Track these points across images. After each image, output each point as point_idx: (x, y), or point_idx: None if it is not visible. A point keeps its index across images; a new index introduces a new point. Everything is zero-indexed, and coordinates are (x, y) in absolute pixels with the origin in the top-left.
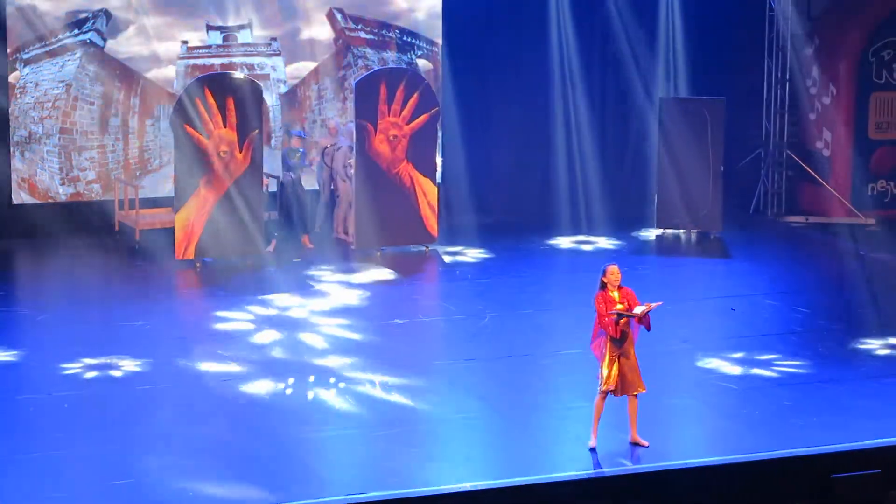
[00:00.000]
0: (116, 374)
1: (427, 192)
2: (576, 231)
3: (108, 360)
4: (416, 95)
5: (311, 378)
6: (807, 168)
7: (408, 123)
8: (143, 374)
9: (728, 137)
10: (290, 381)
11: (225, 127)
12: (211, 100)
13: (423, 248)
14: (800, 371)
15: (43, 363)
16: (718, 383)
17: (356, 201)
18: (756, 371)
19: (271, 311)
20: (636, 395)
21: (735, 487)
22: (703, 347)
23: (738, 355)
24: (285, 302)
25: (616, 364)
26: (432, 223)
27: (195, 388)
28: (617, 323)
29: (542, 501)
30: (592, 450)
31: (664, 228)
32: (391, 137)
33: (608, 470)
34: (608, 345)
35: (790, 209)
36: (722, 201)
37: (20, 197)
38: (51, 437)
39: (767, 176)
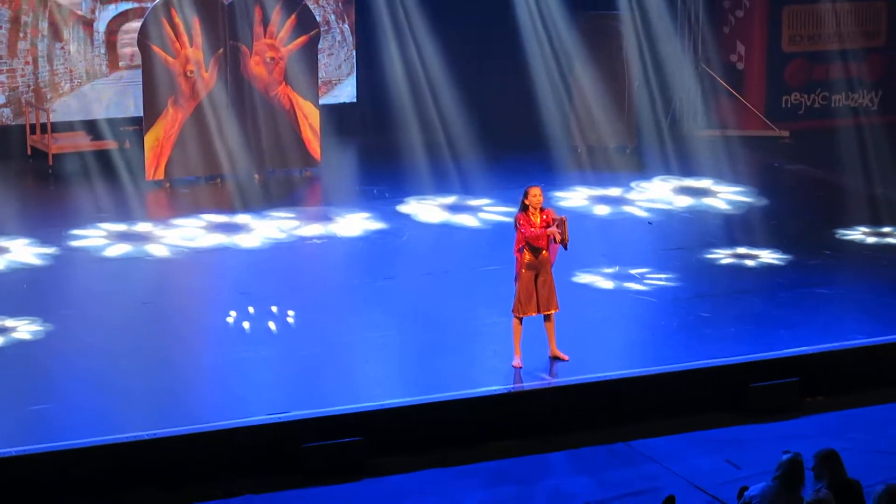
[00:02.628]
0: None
1: (308, 115)
2: (489, 145)
3: None
4: (293, 17)
5: (232, 314)
6: (721, 82)
7: (285, 45)
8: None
9: (643, 51)
10: (211, 303)
11: (191, 46)
12: (177, 19)
13: (304, 172)
14: (716, 282)
15: None
16: (636, 296)
17: (232, 124)
18: (673, 283)
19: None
20: (552, 314)
21: (655, 398)
22: (621, 262)
23: (648, 270)
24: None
25: (531, 288)
26: (315, 146)
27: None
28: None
29: (463, 417)
30: (518, 369)
31: (579, 143)
32: (268, 60)
33: (528, 384)
34: (523, 267)
35: (705, 122)
36: (637, 115)
37: None
38: None
39: (682, 90)
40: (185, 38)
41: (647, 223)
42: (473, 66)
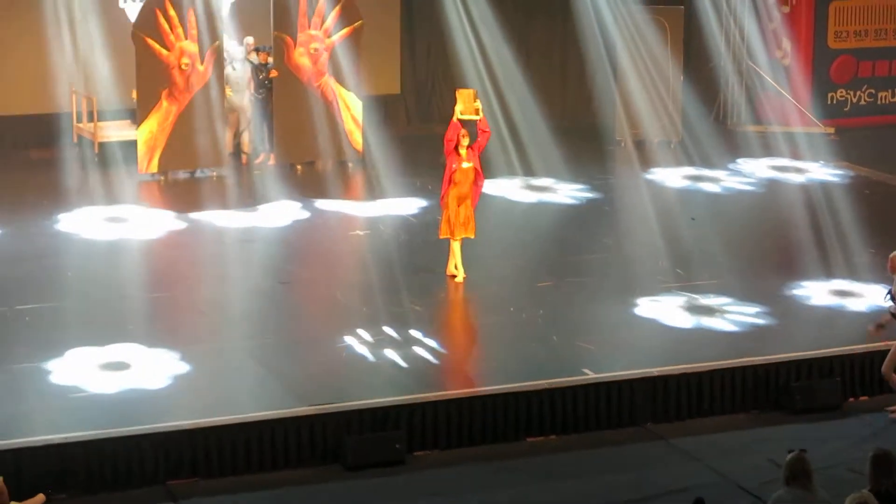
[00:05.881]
0: None
1: (350, 107)
2: (536, 136)
3: None
4: (338, 8)
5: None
6: (766, 77)
7: (330, 37)
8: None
9: (689, 46)
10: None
11: (186, 39)
12: (172, 11)
13: (348, 163)
14: (762, 280)
15: None
16: (682, 293)
17: (276, 115)
18: (715, 281)
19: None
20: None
21: (697, 396)
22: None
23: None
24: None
25: (452, 211)
26: (356, 137)
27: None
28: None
29: (503, 411)
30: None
31: (624, 136)
32: (312, 50)
33: (569, 379)
34: (447, 193)
35: (750, 118)
36: (682, 110)
37: None
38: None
39: (727, 85)
40: (180, 31)
41: (690, 219)
42: (521, 57)
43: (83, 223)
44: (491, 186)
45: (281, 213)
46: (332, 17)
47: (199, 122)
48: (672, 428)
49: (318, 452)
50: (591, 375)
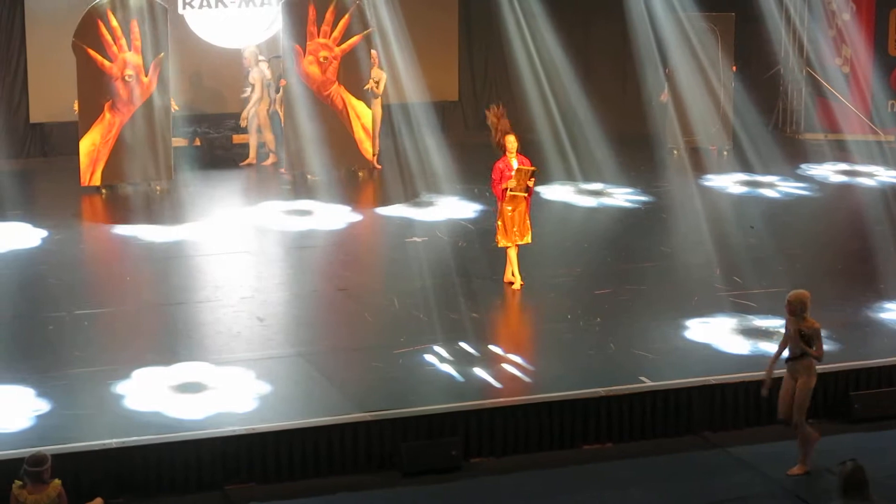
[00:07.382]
0: None
1: (360, 115)
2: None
3: None
4: (347, 17)
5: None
6: (826, 85)
7: (339, 45)
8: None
9: (747, 53)
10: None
11: (130, 50)
12: (114, 22)
13: (358, 172)
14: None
15: None
16: (737, 301)
17: (285, 124)
18: (773, 289)
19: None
20: (517, 245)
21: (756, 404)
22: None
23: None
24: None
25: (507, 217)
26: (366, 146)
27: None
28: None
29: (559, 419)
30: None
31: (675, 144)
32: (321, 59)
33: (626, 387)
34: (501, 204)
35: (809, 126)
36: (734, 117)
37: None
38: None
39: (786, 93)
40: (123, 42)
41: (749, 227)
42: (579, 64)
43: (138, 227)
44: (547, 192)
45: (333, 218)
46: (341, 26)
47: (144, 135)
48: (730, 436)
49: (375, 458)
50: (648, 383)
